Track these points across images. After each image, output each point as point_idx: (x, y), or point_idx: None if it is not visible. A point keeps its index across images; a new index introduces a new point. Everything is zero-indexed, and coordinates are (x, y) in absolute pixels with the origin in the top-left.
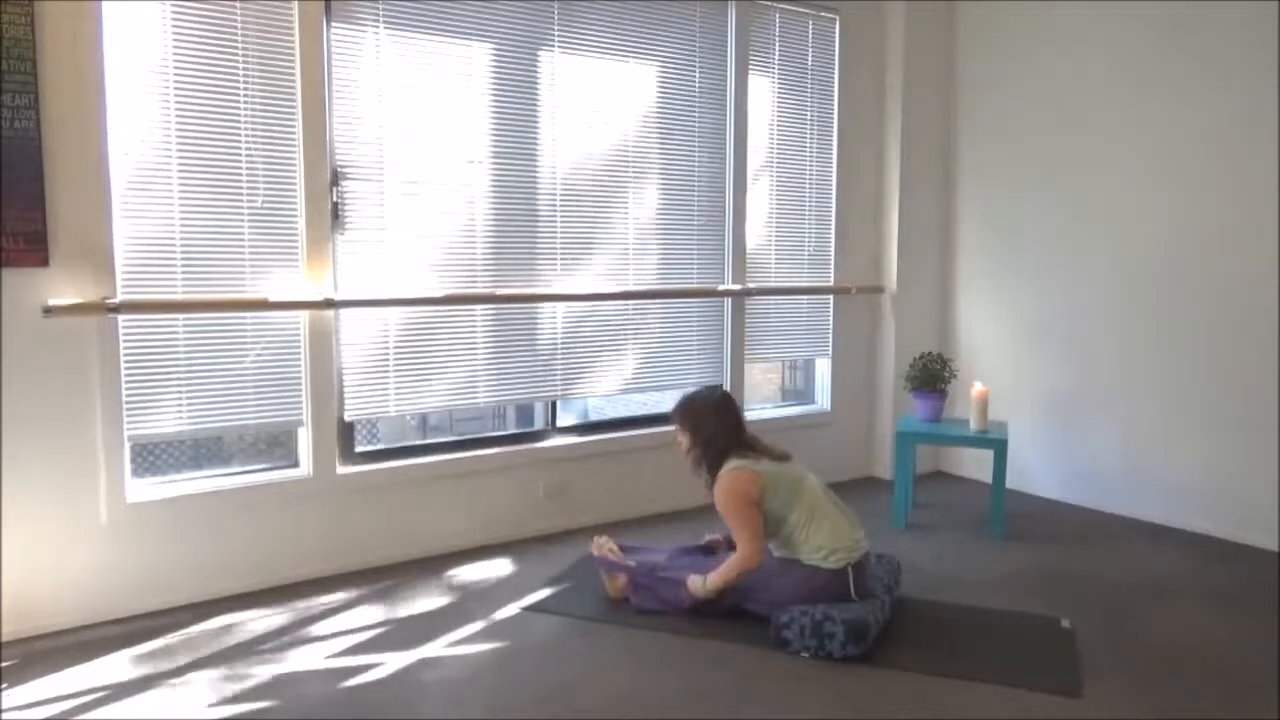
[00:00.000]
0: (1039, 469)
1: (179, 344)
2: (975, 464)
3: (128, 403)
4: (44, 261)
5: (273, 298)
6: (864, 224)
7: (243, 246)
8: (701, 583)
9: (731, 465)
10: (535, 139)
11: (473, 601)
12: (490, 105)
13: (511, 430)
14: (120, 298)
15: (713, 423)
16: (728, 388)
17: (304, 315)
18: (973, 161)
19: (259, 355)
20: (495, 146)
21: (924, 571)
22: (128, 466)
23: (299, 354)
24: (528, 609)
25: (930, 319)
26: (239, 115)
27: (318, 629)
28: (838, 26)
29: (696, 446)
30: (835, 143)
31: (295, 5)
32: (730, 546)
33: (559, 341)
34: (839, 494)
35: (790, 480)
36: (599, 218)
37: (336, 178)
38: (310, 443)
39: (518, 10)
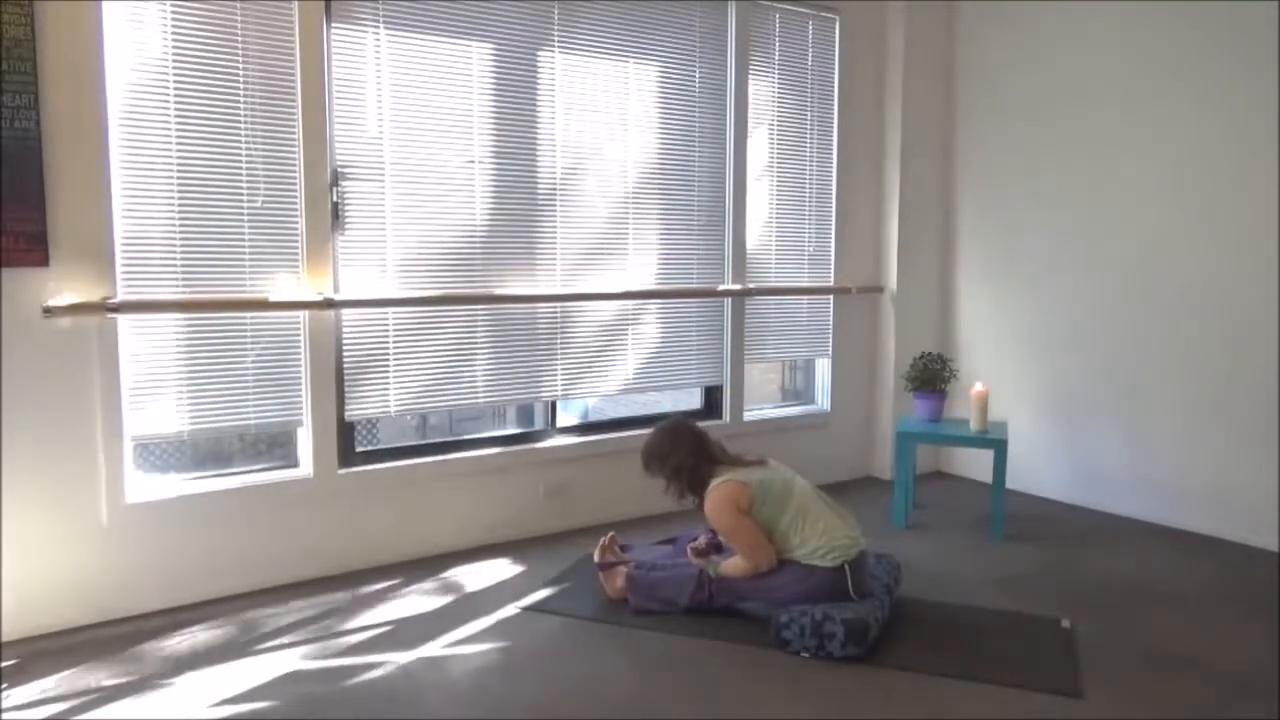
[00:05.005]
0: (1039, 469)
1: (179, 344)
2: (975, 464)
3: (127, 403)
4: (44, 261)
5: (273, 298)
6: (864, 223)
7: (243, 246)
8: (711, 563)
9: (719, 479)
10: (535, 139)
11: (473, 601)
12: (490, 105)
13: (511, 430)
14: (120, 298)
15: (673, 452)
16: (727, 388)
17: (304, 315)
18: (973, 161)
19: (259, 355)
20: (495, 146)
21: (924, 571)
22: (128, 467)
23: (299, 354)
24: (528, 609)
25: (930, 319)
26: (239, 115)
27: (318, 629)
28: (838, 26)
29: (671, 480)
30: (835, 143)
31: (295, 5)
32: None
33: (559, 341)
34: (838, 494)
35: (779, 485)
36: (599, 217)
37: (336, 178)
38: (310, 443)
39: (518, 10)
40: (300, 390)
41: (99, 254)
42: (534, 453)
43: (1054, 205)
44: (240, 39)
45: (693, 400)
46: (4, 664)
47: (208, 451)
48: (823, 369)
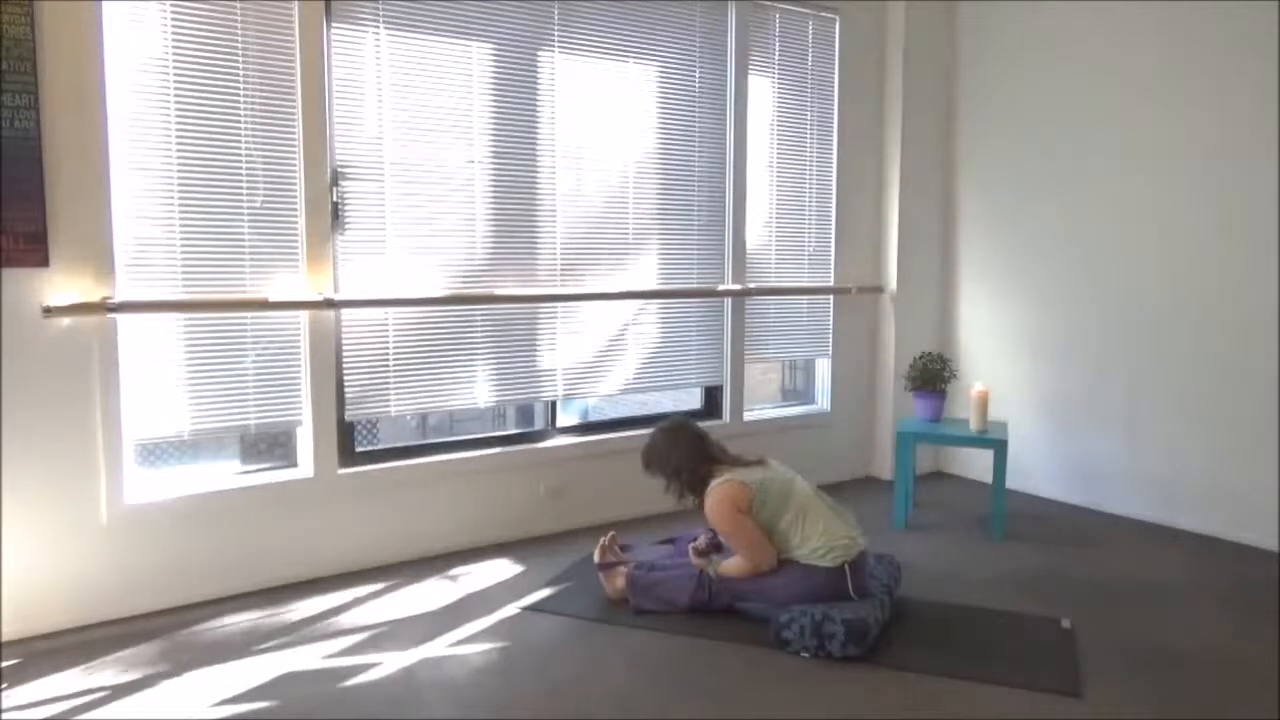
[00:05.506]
0: (1039, 469)
1: (179, 344)
2: (975, 464)
3: (127, 403)
4: (44, 261)
5: (273, 298)
6: (864, 224)
7: (243, 246)
8: (711, 563)
9: (720, 479)
10: (535, 139)
11: (473, 601)
12: (490, 105)
13: (511, 430)
14: (120, 298)
15: (673, 452)
16: (728, 388)
17: (304, 315)
18: (973, 161)
19: (259, 355)
20: (495, 146)
21: (924, 571)
22: (128, 467)
23: (299, 354)
24: (528, 609)
25: (930, 319)
26: (239, 115)
27: (318, 629)
28: (838, 26)
29: (671, 479)
30: (835, 143)
31: (295, 5)
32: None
33: (559, 342)
34: (838, 494)
35: (779, 485)
36: (599, 218)
37: (336, 178)
38: (310, 443)
39: (518, 10)
40: (300, 390)
41: (99, 254)
42: (534, 453)
43: (1054, 205)
44: (240, 39)
45: (693, 400)
46: (4, 664)
47: (207, 449)
48: (823, 369)
